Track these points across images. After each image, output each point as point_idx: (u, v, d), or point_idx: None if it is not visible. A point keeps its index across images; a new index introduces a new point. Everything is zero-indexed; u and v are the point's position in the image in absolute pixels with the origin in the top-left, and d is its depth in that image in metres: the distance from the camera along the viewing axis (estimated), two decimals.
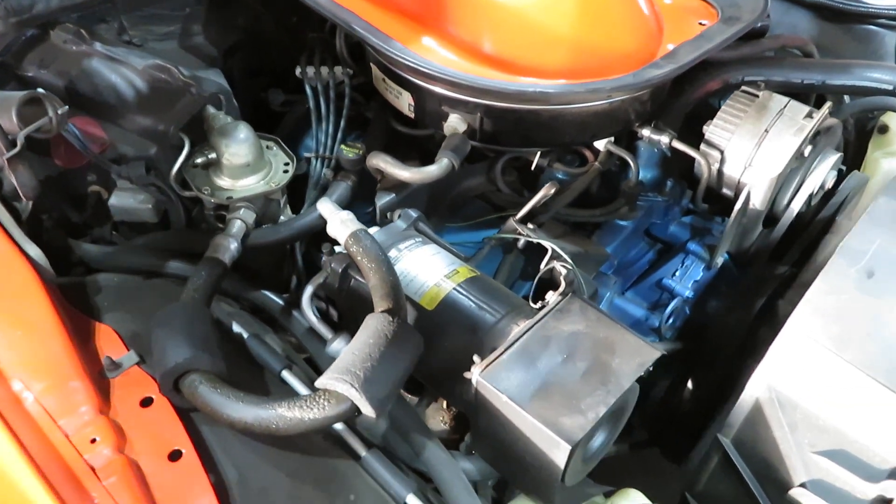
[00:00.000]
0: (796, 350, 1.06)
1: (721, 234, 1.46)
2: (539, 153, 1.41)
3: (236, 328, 1.16)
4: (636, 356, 1.01)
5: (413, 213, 1.24)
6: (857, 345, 1.03)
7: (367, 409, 0.91)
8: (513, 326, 1.05)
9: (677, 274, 1.48)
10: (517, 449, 0.98)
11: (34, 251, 1.11)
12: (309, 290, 1.19)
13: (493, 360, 0.99)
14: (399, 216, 1.24)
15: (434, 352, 1.08)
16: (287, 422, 0.89)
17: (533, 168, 1.42)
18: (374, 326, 0.98)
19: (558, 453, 0.92)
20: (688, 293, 1.45)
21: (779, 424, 1.06)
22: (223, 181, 1.26)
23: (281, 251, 1.39)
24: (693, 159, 1.42)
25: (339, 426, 1.06)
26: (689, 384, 1.55)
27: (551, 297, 1.08)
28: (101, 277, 1.23)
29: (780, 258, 1.48)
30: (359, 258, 1.08)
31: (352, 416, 0.92)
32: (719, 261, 1.48)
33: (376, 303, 1.02)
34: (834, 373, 1.02)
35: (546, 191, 1.26)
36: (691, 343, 1.52)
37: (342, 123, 1.49)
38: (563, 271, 1.11)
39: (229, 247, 1.18)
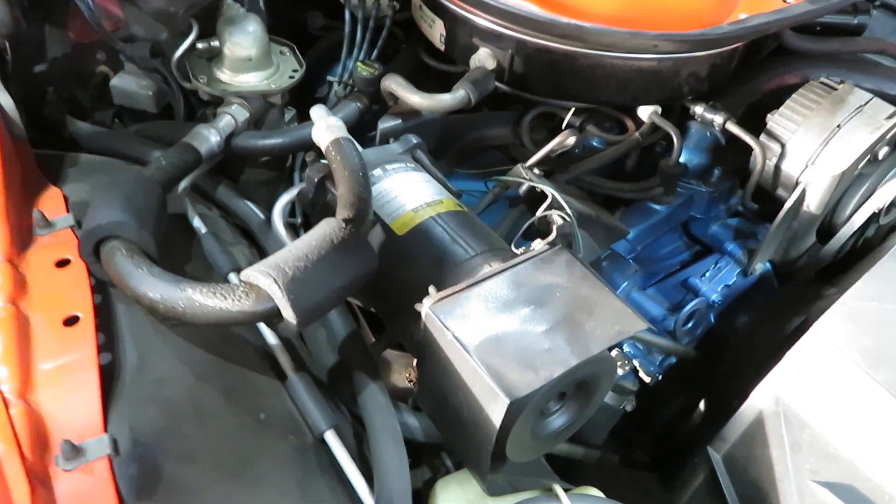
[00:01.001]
0: (817, 359, 0.88)
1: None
2: (572, 111, 1.26)
3: (196, 223, 1.07)
4: (616, 322, 0.85)
5: (413, 139, 1.11)
6: (894, 365, 0.84)
7: (288, 313, 0.79)
8: (484, 266, 0.91)
9: (707, 275, 1.30)
10: (456, 400, 0.84)
11: (5, 100, 1.05)
12: (282, 201, 1.08)
13: (450, 295, 0.85)
14: (398, 141, 1.12)
15: (394, 282, 0.96)
16: (194, 307, 0.78)
17: (564, 126, 1.28)
18: (322, 229, 0.86)
19: (495, 408, 0.77)
20: (715, 297, 1.27)
21: (779, 443, 0.88)
22: (223, 74, 1.18)
23: (276, 167, 1.29)
24: (748, 150, 1.25)
25: (272, 341, 0.94)
26: (701, 406, 1.37)
27: (538, 245, 0.94)
28: (84, 156, 1.16)
29: (831, 278, 1.28)
30: (334, 166, 0.97)
31: (270, 317, 0.80)
32: (758, 268, 1.30)
33: (338, 212, 0.90)
34: (858, 393, 0.84)
35: (563, 138, 1.12)
36: (709, 357, 1.33)
37: (374, 54, 1.39)
38: (558, 221, 0.96)
39: (209, 137, 1.09)
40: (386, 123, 1.17)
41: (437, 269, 0.92)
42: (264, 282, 0.79)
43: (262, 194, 1.33)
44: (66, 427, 0.74)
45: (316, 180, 1.03)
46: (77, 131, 1.25)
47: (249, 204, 1.18)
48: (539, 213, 0.98)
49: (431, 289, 0.86)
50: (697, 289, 1.28)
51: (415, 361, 1.21)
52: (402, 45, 1.49)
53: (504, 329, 0.82)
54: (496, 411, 0.77)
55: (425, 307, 0.84)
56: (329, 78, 1.39)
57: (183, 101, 1.26)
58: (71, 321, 0.81)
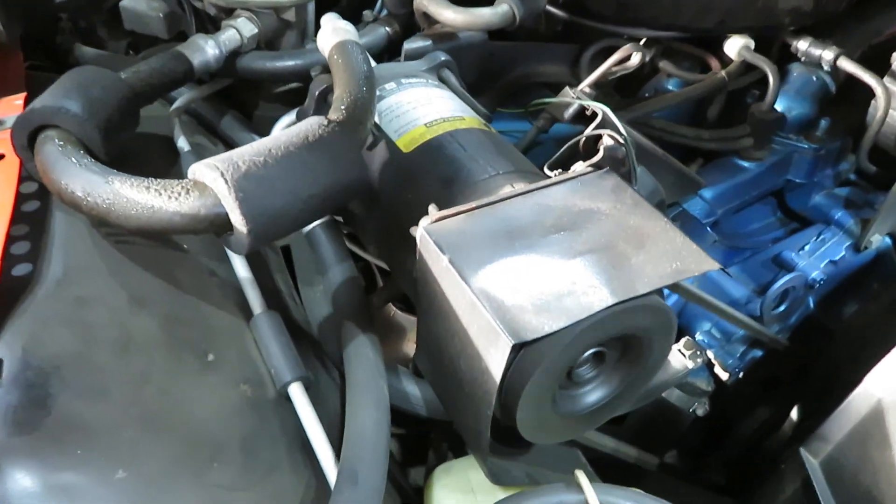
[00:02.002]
0: None
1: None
2: (643, 42, 1.04)
3: (181, 143, 0.91)
4: (675, 258, 0.62)
5: (441, 56, 0.93)
6: None
7: (237, 217, 0.61)
8: (505, 187, 0.71)
9: (807, 248, 1.04)
10: (453, 350, 0.64)
11: None
12: (282, 123, 0.92)
13: (454, 214, 0.65)
14: (423, 58, 0.94)
15: (394, 209, 0.77)
16: (121, 203, 0.61)
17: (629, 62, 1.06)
18: (298, 126, 0.68)
19: (495, 354, 0.57)
20: (816, 274, 1.01)
21: None
22: None
23: (294, 100, 1.13)
24: (866, 98, 1.00)
25: (243, 274, 0.77)
26: (795, 414, 1.10)
27: (578, 167, 0.73)
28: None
29: None
30: (334, 70, 0.79)
31: (217, 225, 0.62)
32: (874, 241, 1.03)
33: (329, 115, 0.72)
34: None
35: (625, 53, 0.90)
36: (805, 353, 1.07)
37: None
38: (608, 142, 0.75)
39: (204, 48, 0.94)
40: (413, 44, 0.99)
41: (445, 190, 0.73)
42: (210, 176, 0.62)
43: None
44: None
45: (317, 93, 0.86)
46: (82, 55, 1.14)
47: (256, 138, 1.02)
48: (587, 132, 0.76)
49: (432, 207, 0.66)
50: (793, 264, 1.03)
51: None
52: None
53: (519, 258, 0.61)
54: (496, 358, 0.56)
55: (420, 227, 0.65)
56: (364, 13, 1.23)
57: (195, 25, 1.13)
58: None
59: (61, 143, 0.67)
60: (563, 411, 0.67)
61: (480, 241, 0.63)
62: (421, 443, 1.01)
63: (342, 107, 0.72)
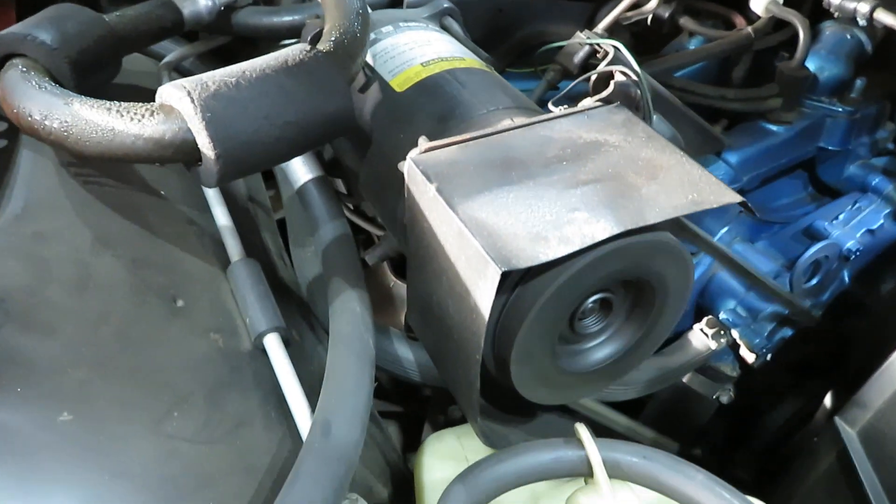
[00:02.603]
0: None
1: None
2: None
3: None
4: (691, 189, 0.55)
5: (444, 3, 0.87)
6: None
7: (203, 140, 0.55)
8: (504, 121, 0.65)
9: (841, 217, 0.96)
10: (441, 293, 0.57)
11: None
12: None
13: (446, 145, 0.59)
14: (425, 6, 0.88)
15: (385, 150, 0.71)
16: (79, 126, 0.56)
17: (650, 21, 0.99)
18: (279, 51, 0.63)
19: (483, 285, 0.50)
20: (851, 244, 0.93)
21: None
22: None
23: None
24: None
25: (223, 222, 0.71)
26: (828, 402, 1.01)
27: (586, 102, 0.66)
28: None
29: None
30: (327, 8, 0.74)
31: (183, 151, 0.56)
32: None
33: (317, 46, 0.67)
34: None
35: None
36: (843, 331, 0.98)
37: None
38: (620, 78, 0.68)
39: None
40: None
41: (441, 125, 0.66)
42: (175, 96, 0.56)
43: None
44: None
45: (309, 38, 0.80)
46: None
47: None
48: (599, 68, 0.70)
49: (422, 139, 0.60)
50: (826, 234, 0.94)
51: None
52: None
53: (515, 188, 0.55)
54: (485, 290, 0.50)
55: (408, 160, 0.59)
56: None
57: None
58: None
59: (24, 69, 0.62)
60: (567, 368, 0.60)
61: (472, 172, 0.57)
62: (421, 425, 0.95)
63: (330, 39, 0.67)
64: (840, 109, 1.00)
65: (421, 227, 0.58)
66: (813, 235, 0.96)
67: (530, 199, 0.54)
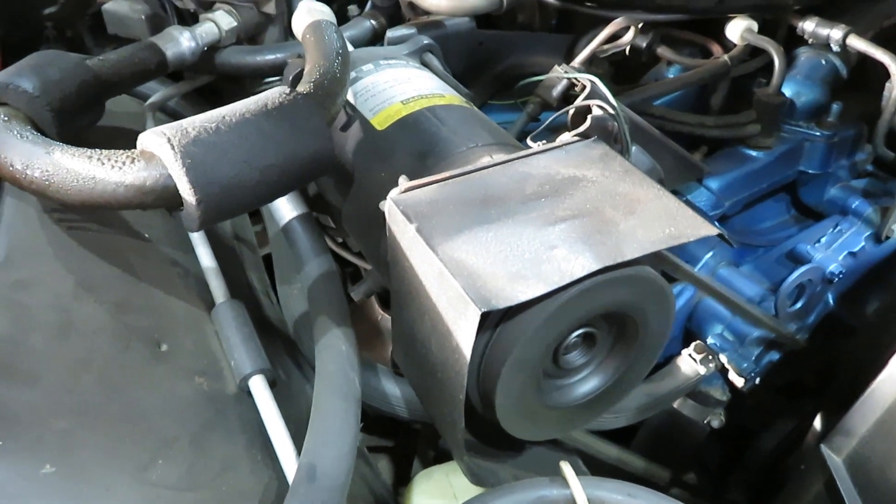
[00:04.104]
0: None
1: None
2: (640, 26, 0.99)
3: (149, 124, 0.87)
4: (668, 223, 0.56)
5: (424, 40, 0.88)
6: None
7: (184, 186, 0.56)
8: (483, 158, 0.65)
9: (823, 240, 0.97)
10: (424, 332, 0.57)
11: None
12: None
13: (426, 184, 0.60)
14: (405, 43, 0.89)
15: (367, 189, 0.71)
16: (60, 174, 0.56)
17: (628, 50, 1.00)
18: (259, 95, 0.63)
19: (464, 325, 0.50)
20: (834, 267, 0.94)
21: None
22: None
23: None
24: (879, 81, 0.94)
25: (207, 263, 0.71)
26: (818, 424, 1.01)
27: (564, 137, 0.67)
28: None
29: None
30: (308, 49, 0.75)
31: (165, 198, 0.57)
32: None
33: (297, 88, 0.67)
34: None
35: (616, 27, 0.85)
36: (830, 352, 0.99)
37: None
38: (597, 112, 0.69)
39: (179, 40, 0.90)
40: (396, 32, 0.94)
41: (421, 163, 0.67)
42: (156, 142, 0.57)
43: None
44: None
45: (291, 77, 0.81)
46: None
47: None
48: (577, 102, 0.71)
49: (402, 178, 0.60)
50: (809, 257, 0.95)
51: None
52: None
53: (495, 226, 0.56)
54: (465, 329, 0.50)
55: (388, 199, 0.59)
56: (349, 7, 1.19)
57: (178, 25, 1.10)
58: None
59: (6, 118, 0.63)
60: (553, 403, 0.60)
61: (452, 210, 0.57)
62: (411, 458, 0.94)
63: (310, 80, 0.68)
64: (818, 133, 1.01)
65: (402, 266, 0.58)
66: (796, 259, 0.97)
67: (509, 237, 0.54)
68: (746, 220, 1.10)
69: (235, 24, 0.96)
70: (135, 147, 0.90)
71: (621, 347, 0.61)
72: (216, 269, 0.71)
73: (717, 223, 0.99)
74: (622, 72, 1.08)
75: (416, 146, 0.69)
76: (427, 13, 0.98)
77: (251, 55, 0.98)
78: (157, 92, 0.96)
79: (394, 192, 0.59)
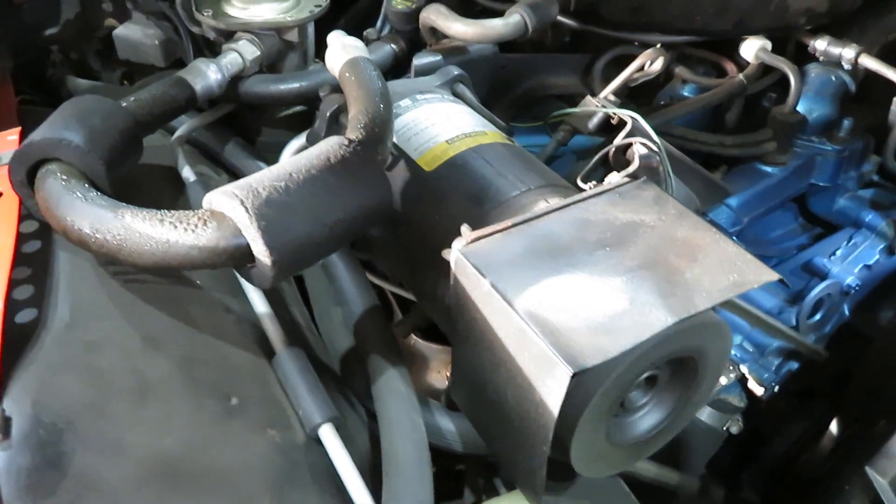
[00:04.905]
0: None
1: None
2: (658, 47, 1.01)
3: (186, 173, 0.87)
4: (731, 270, 0.58)
5: (454, 70, 0.89)
6: None
7: (259, 248, 0.56)
8: (539, 202, 0.67)
9: (839, 253, 1.00)
10: (498, 380, 0.59)
11: None
12: (291, 147, 0.88)
13: (490, 234, 0.61)
14: (436, 73, 0.90)
15: (419, 230, 0.72)
16: (133, 239, 0.57)
17: (645, 67, 1.02)
18: (318, 146, 0.64)
19: (553, 385, 0.52)
20: (850, 280, 0.97)
21: None
22: (231, 7, 0.99)
23: (302, 125, 1.09)
24: (887, 96, 0.97)
25: (262, 309, 0.72)
26: (833, 429, 1.05)
27: (613, 178, 0.69)
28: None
29: None
30: (347, 88, 0.75)
31: (237, 258, 0.58)
32: None
33: (346, 134, 0.68)
34: None
35: (646, 58, 0.87)
36: (845, 362, 1.03)
37: None
38: (641, 150, 0.71)
39: (206, 73, 0.89)
40: (422, 59, 0.95)
41: (475, 209, 0.68)
42: (228, 204, 0.57)
43: None
44: None
45: (328, 114, 0.82)
46: (75, 87, 1.10)
47: (262, 165, 0.98)
48: (617, 141, 0.73)
49: (465, 228, 0.62)
50: (826, 271, 0.99)
51: None
52: None
53: (565, 278, 0.57)
54: (554, 390, 0.52)
55: (454, 251, 0.60)
56: (366, 32, 1.20)
57: (193, 51, 1.09)
58: None
59: (64, 177, 0.63)
60: (617, 441, 0.62)
61: (521, 262, 0.59)
62: (452, 480, 0.96)
63: (360, 126, 0.68)
64: (829, 148, 1.05)
65: (472, 317, 0.60)
66: (813, 271, 1.01)
67: (582, 289, 0.56)
68: (757, 231, 1.13)
69: (259, 53, 0.96)
70: (164, 180, 0.90)
71: (681, 383, 0.64)
72: (270, 313, 0.71)
73: (736, 238, 1.02)
74: (637, 90, 1.10)
75: (468, 189, 0.70)
76: (447, 37, 0.99)
77: (275, 84, 0.98)
78: (183, 124, 0.95)
79: (459, 243, 0.61)
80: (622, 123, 0.78)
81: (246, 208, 0.56)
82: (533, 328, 0.53)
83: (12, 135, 0.82)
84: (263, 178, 0.59)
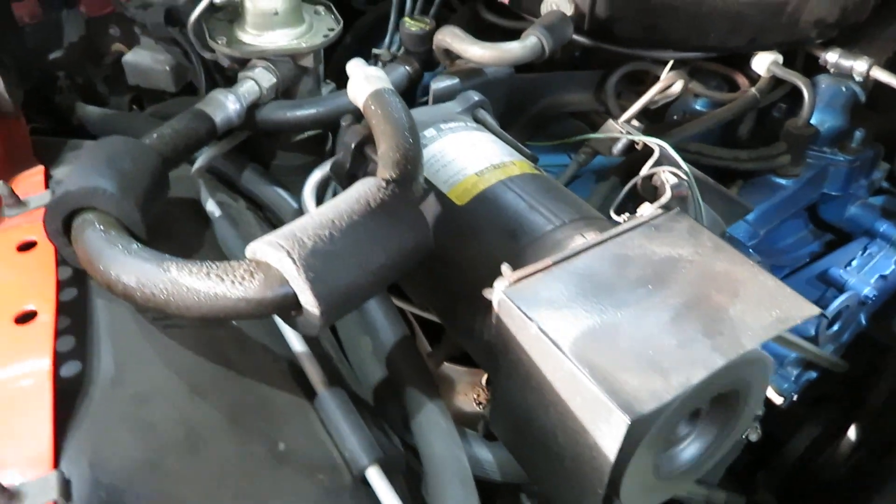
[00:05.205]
0: None
1: None
2: (671, 64, 1.01)
3: (210, 207, 0.86)
4: (773, 306, 0.59)
5: (475, 96, 0.89)
6: None
7: (307, 299, 0.57)
8: (576, 238, 0.67)
9: (854, 264, 1.02)
10: (546, 422, 0.60)
11: None
12: (313, 178, 0.88)
13: (532, 274, 0.62)
14: (456, 99, 0.90)
15: (453, 265, 0.73)
16: (181, 293, 0.57)
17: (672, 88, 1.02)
18: (356, 190, 0.64)
19: (610, 431, 0.53)
20: (867, 291, 0.99)
21: None
22: (245, 34, 0.98)
23: (317, 150, 1.09)
24: (891, 103, 0.98)
25: (298, 348, 0.72)
26: (851, 435, 1.07)
27: (645, 209, 0.69)
28: (88, 142, 0.98)
29: None
30: (374, 122, 0.75)
31: (284, 307, 0.58)
32: None
33: (379, 172, 0.68)
34: None
35: (668, 82, 0.87)
36: (863, 369, 1.05)
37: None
38: (671, 180, 0.72)
39: (225, 104, 0.89)
40: (440, 83, 0.95)
41: (512, 244, 0.69)
42: (275, 256, 0.57)
43: (298, 182, 1.13)
44: (5, 460, 0.53)
45: (353, 146, 0.81)
46: (85, 115, 1.09)
47: (279, 191, 0.98)
48: (645, 170, 0.73)
49: (505, 267, 0.62)
50: (842, 282, 1.00)
51: (484, 378, 0.98)
52: (454, 7, 1.28)
53: (611, 318, 0.58)
54: (612, 436, 0.52)
55: (497, 292, 0.61)
56: (375, 51, 1.19)
57: (205, 76, 1.08)
58: (26, 318, 0.61)
59: (102, 227, 0.62)
60: (662, 473, 0.63)
61: (565, 303, 0.59)
62: None
63: (393, 164, 0.68)
64: (841, 158, 1.06)
65: (518, 358, 0.60)
66: (829, 282, 1.02)
67: (628, 329, 0.57)
68: (769, 240, 1.14)
69: (275, 80, 0.96)
70: (186, 211, 0.90)
71: (724, 413, 0.65)
72: (308, 353, 0.71)
73: (753, 252, 1.03)
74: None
75: (502, 225, 0.70)
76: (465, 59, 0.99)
77: (292, 111, 0.97)
78: (202, 155, 0.94)
79: (502, 284, 0.61)
80: (646, 147, 0.79)
81: (293, 260, 0.56)
82: (586, 374, 0.53)
83: (36, 174, 0.82)
84: (307, 227, 0.59)
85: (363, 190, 0.64)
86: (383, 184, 0.64)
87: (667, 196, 0.69)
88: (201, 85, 1.09)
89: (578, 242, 0.66)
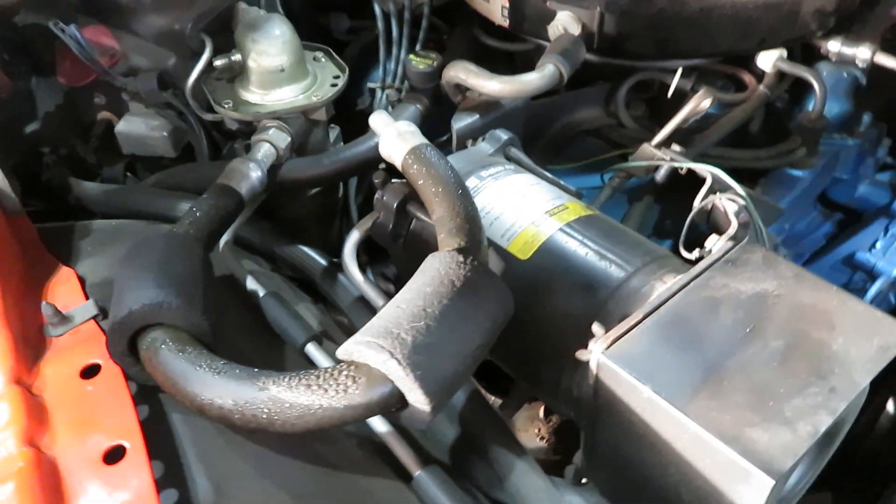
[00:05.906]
0: None
1: None
2: (679, 71, 1.01)
3: (251, 284, 0.83)
4: (872, 334, 0.60)
5: (503, 135, 0.87)
6: None
7: (417, 397, 0.55)
8: (655, 284, 0.67)
9: (879, 246, 1.04)
10: (666, 480, 0.59)
11: None
12: (353, 238, 0.85)
13: (626, 332, 0.61)
14: (483, 139, 0.88)
15: (528, 323, 0.71)
16: (284, 411, 0.54)
17: (670, 95, 1.03)
18: (435, 269, 0.62)
19: (750, 492, 0.52)
20: None
21: None
22: (251, 94, 0.94)
23: (329, 199, 1.06)
24: (890, 81, 1.00)
25: (381, 428, 0.70)
26: (892, 408, 1.10)
27: (714, 243, 0.69)
28: (97, 223, 0.93)
29: None
30: (420, 182, 0.73)
31: (393, 407, 0.56)
32: None
33: (442, 241, 0.66)
34: None
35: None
36: None
37: (417, 50, 1.15)
38: (732, 207, 0.71)
39: (248, 174, 0.85)
40: (461, 122, 0.93)
41: (590, 298, 0.68)
42: (376, 359, 0.55)
43: (313, 234, 1.10)
44: None
45: (395, 206, 0.79)
46: (83, 193, 1.03)
47: (305, 249, 0.95)
48: (699, 200, 0.73)
49: (597, 327, 0.61)
50: (870, 265, 1.03)
51: (541, 410, 0.97)
52: (444, 36, 1.25)
53: (719, 370, 0.57)
54: (751, 496, 0.52)
55: (595, 354, 0.60)
56: (370, 85, 1.16)
57: (205, 138, 1.04)
58: (114, 456, 0.57)
59: (176, 345, 0.59)
60: None
61: (669, 360, 0.59)
62: None
63: (458, 230, 0.66)
64: (851, 143, 1.08)
65: (627, 419, 0.60)
66: (855, 266, 1.04)
67: (739, 381, 0.57)
68: (783, 228, 1.16)
69: (290, 139, 0.92)
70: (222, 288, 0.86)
71: (825, 441, 0.65)
72: (394, 433, 0.69)
73: (782, 246, 1.05)
74: (656, 107, 1.11)
75: (574, 277, 0.69)
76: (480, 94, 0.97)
77: (310, 168, 0.95)
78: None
79: (598, 346, 0.60)
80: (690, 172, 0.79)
81: (398, 360, 0.54)
82: (714, 437, 0.53)
83: (67, 279, 0.77)
84: (401, 321, 0.57)
85: (442, 269, 0.61)
86: (460, 258, 0.62)
87: (734, 227, 0.69)
88: (202, 147, 1.04)
89: (659, 289, 0.65)
